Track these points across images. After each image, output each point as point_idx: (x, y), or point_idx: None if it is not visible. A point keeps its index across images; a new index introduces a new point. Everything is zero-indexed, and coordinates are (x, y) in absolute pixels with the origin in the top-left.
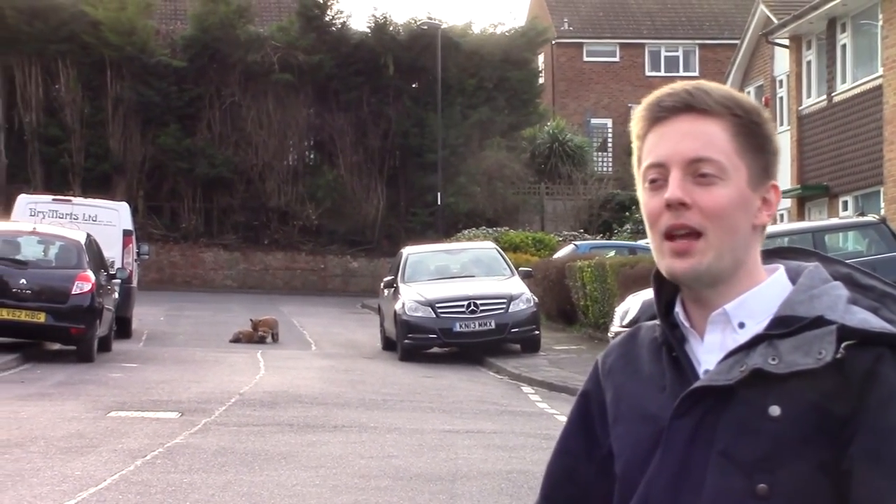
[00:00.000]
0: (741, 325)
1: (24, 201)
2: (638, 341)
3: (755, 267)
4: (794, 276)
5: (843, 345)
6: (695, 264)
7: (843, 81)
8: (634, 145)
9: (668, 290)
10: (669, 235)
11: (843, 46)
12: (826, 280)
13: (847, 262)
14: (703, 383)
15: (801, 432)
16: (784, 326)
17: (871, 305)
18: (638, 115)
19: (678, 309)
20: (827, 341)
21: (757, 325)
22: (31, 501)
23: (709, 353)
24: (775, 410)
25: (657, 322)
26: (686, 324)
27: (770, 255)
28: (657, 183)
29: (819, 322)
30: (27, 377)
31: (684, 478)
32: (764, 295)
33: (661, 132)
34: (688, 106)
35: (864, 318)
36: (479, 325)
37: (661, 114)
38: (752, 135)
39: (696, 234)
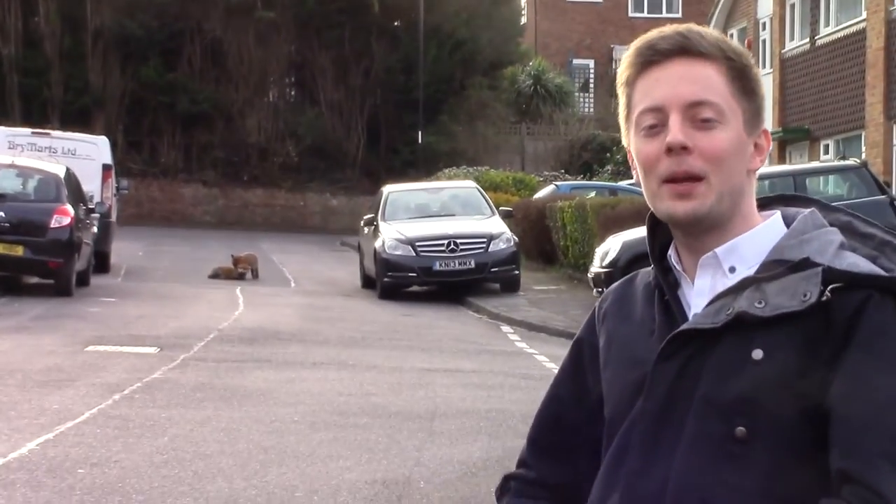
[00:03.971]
0: (732, 270)
1: (2, 134)
2: (634, 286)
3: (750, 212)
4: (790, 223)
5: (829, 287)
6: (697, 206)
7: (827, 25)
8: (622, 92)
9: (661, 235)
10: (669, 179)
11: None
12: (820, 225)
13: (849, 210)
14: (688, 326)
15: (783, 376)
16: (772, 270)
17: (870, 254)
18: (627, 60)
19: (671, 253)
20: (812, 283)
21: (748, 270)
22: (9, 434)
23: (699, 296)
24: (758, 354)
25: (653, 268)
26: (679, 268)
27: (771, 202)
28: (655, 128)
29: (805, 264)
30: (4, 310)
31: (665, 421)
32: (756, 240)
33: (655, 76)
34: (683, 49)
35: (854, 262)
36: (459, 263)
37: (654, 57)
38: (745, 78)
39: (696, 178)
